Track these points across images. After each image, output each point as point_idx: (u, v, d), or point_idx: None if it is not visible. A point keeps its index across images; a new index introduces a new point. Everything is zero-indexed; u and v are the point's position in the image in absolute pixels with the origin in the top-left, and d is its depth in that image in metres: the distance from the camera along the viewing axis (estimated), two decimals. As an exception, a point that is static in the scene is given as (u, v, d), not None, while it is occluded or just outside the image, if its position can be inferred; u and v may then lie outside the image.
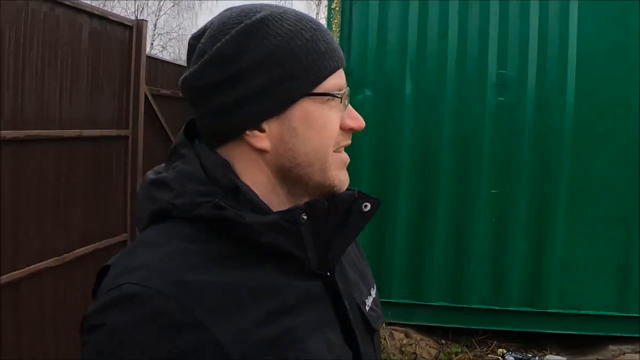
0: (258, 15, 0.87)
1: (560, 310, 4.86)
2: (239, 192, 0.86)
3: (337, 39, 4.86)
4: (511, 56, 4.81)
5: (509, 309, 4.89)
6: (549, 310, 4.87)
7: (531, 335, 4.93)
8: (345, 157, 0.94)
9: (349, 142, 0.94)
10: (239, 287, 0.81)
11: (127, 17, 5.07)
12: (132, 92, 4.68)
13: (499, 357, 4.74)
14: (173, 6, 19.79)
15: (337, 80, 0.90)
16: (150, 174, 0.92)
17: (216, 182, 0.87)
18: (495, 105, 4.80)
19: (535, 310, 4.88)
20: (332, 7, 4.88)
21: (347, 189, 0.94)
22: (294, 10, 0.92)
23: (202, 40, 0.90)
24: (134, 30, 4.69)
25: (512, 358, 4.66)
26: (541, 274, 4.86)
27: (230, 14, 0.90)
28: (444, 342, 4.88)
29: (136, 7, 19.25)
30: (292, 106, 0.87)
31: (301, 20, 0.89)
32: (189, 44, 0.94)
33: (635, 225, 4.78)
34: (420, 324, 4.94)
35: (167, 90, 5.27)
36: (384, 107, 4.89)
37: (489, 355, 4.78)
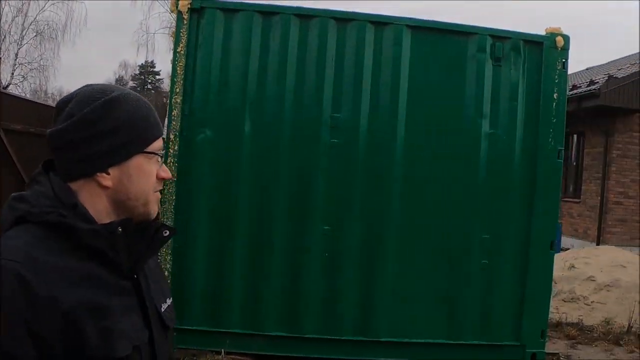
0: (113, 94, 1.29)
1: (391, 339, 5.15)
2: (76, 208, 1.24)
3: (182, 81, 5.09)
4: (345, 100, 5.08)
5: (342, 338, 5.16)
6: (380, 340, 5.16)
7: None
8: (158, 195, 1.37)
9: (162, 187, 1.39)
10: (73, 271, 1.19)
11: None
12: (-17, 127, 4.82)
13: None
14: (35, 36, 19.63)
15: (159, 144, 1.34)
16: (13, 194, 1.28)
17: (60, 201, 1.24)
18: (329, 145, 5.07)
19: (367, 339, 5.16)
20: (178, 50, 5.09)
21: (154, 220, 1.38)
22: (134, 92, 1.36)
23: (71, 105, 1.27)
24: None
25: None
26: (373, 305, 5.14)
27: (92, 89, 1.29)
28: (279, 370, 5.12)
29: None
30: (130, 159, 1.29)
31: (139, 100, 1.33)
32: (58, 107, 1.30)
33: (459, 260, 5.11)
34: (259, 353, 5.17)
35: (18, 125, 5.41)
36: (225, 145, 5.11)
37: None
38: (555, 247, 5.22)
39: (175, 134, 5.08)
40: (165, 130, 5.13)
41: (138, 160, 1.29)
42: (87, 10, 40.90)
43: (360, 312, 5.15)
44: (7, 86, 17.97)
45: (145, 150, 1.30)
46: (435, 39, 5.16)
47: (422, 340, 5.16)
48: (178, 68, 5.09)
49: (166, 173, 1.36)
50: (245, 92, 5.11)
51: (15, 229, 1.22)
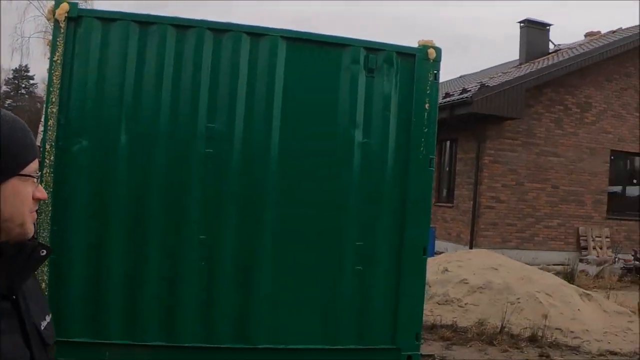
0: None
1: (269, 346, 5.24)
2: None
3: (58, 91, 5.10)
4: (220, 111, 5.16)
5: (221, 346, 5.23)
6: (258, 347, 5.24)
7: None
8: (34, 215, 1.40)
9: (37, 207, 1.42)
10: None
11: None
12: None
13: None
14: None
15: (35, 165, 1.37)
16: None
17: None
18: (204, 155, 5.14)
19: (245, 346, 5.24)
20: (54, 59, 5.10)
21: (30, 240, 1.41)
22: (10, 114, 1.37)
23: None
24: None
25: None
26: (249, 312, 5.23)
27: None
28: (157, 378, 5.16)
29: None
30: (6, 182, 1.31)
31: (15, 122, 1.34)
32: None
33: (334, 266, 5.23)
34: (138, 362, 5.21)
35: None
36: (101, 155, 5.14)
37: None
38: (427, 252, 5.38)
39: (52, 144, 5.08)
40: (41, 139, 5.15)
41: (13, 183, 1.31)
42: None
43: (237, 320, 5.23)
44: None
45: (20, 173, 1.33)
46: (311, 50, 5.28)
47: (299, 346, 5.26)
48: (54, 77, 5.10)
49: (42, 194, 1.39)
50: (121, 102, 5.14)
51: None
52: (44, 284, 5.07)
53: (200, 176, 5.15)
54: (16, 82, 50.15)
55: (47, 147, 5.09)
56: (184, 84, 5.16)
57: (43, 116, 5.15)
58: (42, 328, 1.44)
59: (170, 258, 5.16)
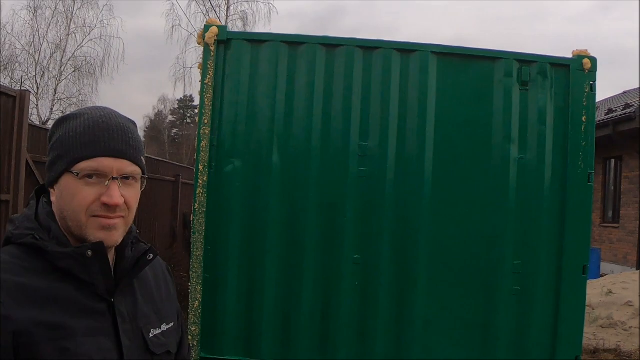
0: (72, 113, 1.35)
1: (423, 367, 5.11)
2: (50, 230, 1.30)
3: (210, 112, 5.13)
4: (373, 128, 5.09)
5: (374, 366, 5.13)
6: (412, 367, 5.12)
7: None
8: (102, 221, 1.30)
9: (108, 213, 1.30)
10: (37, 291, 1.22)
11: (11, 87, 5.26)
12: (14, 159, 4.88)
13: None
14: (74, 72, 19.80)
15: (90, 164, 1.28)
16: (10, 216, 1.41)
17: (40, 223, 1.31)
18: (357, 174, 5.07)
19: (399, 367, 5.13)
20: (205, 82, 5.14)
21: (143, 245, 1.41)
22: (102, 110, 1.34)
23: None
24: (17, 100, 4.91)
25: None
26: (404, 333, 5.11)
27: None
28: (312, 399, 5.09)
29: (37, 72, 19.28)
30: (62, 177, 1.30)
31: (90, 120, 1.31)
32: None
33: (490, 286, 5.06)
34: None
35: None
36: (253, 175, 5.14)
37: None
38: (587, 271, 5.15)
39: (204, 165, 5.11)
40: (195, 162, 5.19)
41: (66, 179, 1.29)
42: (124, 46, 40.55)
43: (391, 340, 5.12)
44: (47, 121, 18.23)
45: (69, 169, 1.29)
46: (462, 65, 5.15)
47: (454, 368, 5.11)
48: (206, 99, 5.14)
49: (108, 199, 1.28)
50: (273, 122, 5.14)
51: (2, 249, 1.29)
52: (197, 302, 5.09)
53: (353, 195, 5.07)
54: (181, 111, 52.13)
55: (200, 167, 5.12)
56: (335, 103, 5.12)
57: (196, 138, 5.18)
58: (151, 335, 1.39)
59: (325, 278, 5.10)
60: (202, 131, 5.12)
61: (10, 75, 18.59)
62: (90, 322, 1.25)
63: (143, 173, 1.37)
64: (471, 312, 5.09)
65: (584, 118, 5.12)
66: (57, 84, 19.75)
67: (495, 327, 5.10)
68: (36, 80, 19.28)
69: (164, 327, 1.44)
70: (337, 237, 5.09)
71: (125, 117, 1.39)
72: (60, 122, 1.34)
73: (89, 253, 1.26)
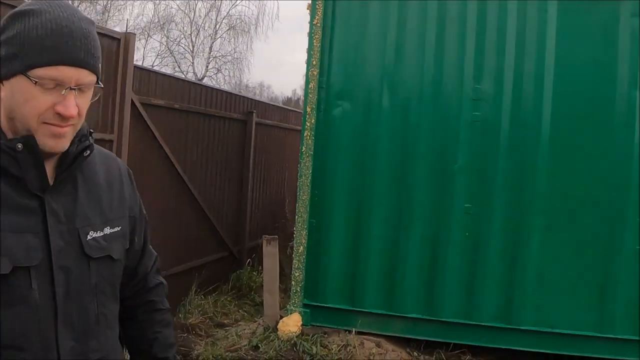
0: (27, 7, 1.20)
1: (535, 328, 4.81)
2: None
3: (319, 54, 5.01)
4: (487, 72, 4.86)
5: (483, 324, 4.86)
6: (522, 328, 4.83)
7: (506, 352, 4.88)
8: (53, 129, 1.22)
9: (60, 122, 1.22)
10: None
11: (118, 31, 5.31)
12: (119, 100, 4.88)
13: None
14: (228, 30, 20.03)
15: (50, 72, 1.18)
16: None
17: None
18: (470, 119, 4.85)
19: (509, 326, 4.85)
20: (314, 22, 5.03)
21: (81, 143, 1.30)
22: (63, 10, 1.22)
23: None
24: (121, 42, 4.92)
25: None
26: (515, 289, 4.83)
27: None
28: (416, 354, 4.87)
29: (191, 30, 19.58)
30: (14, 77, 1.19)
31: (55, 19, 1.19)
32: None
33: (611, 245, 4.73)
34: (393, 335, 4.96)
35: (160, 100, 5.48)
36: (362, 119, 4.99)
37: (460, 370, 4.75)
38: None
39: (312, 107, 5.00)
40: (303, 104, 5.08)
41: (20, 81, 1.19)
42: (279, 6, 39.74)
43: (502, 298, 4.85)
44: (202, 78, 18.61)
45: (25, 73, 1.18)
46: (583, 6, 4.85)
47: (568, 332, 4.78)
48: (315, 40, 5.03)
49: (65, 109, 1.20)
50: (383, 65, 4.98)
51: None
52: (301, 247, 4.97)
53: (466, 141, 4.85)
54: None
55: (308, 109, 5.01)
56: (447, 46, 4.92)
57: (304, 79, 5.08)
58: (89, 238, 1.29)
59: (433, 227, 4.89)
60: (310, 73, 5.01)
61: (166, 34, 19.02)
62: (18, 219, 1.19)
63: (98, 81, 1.28)
64: (589, 272, 4.75)
65: None
66: (212, 42, 19.93)
67: (615, 289, 4.73)
68: (191, 39, 19.56)
69: (107, 230, 1.35)
70: (447, 185, 4.88)
71: (86, 17, 1.27)
72: (18, 15, 1.21)
73: (19, 146, 1.19)
